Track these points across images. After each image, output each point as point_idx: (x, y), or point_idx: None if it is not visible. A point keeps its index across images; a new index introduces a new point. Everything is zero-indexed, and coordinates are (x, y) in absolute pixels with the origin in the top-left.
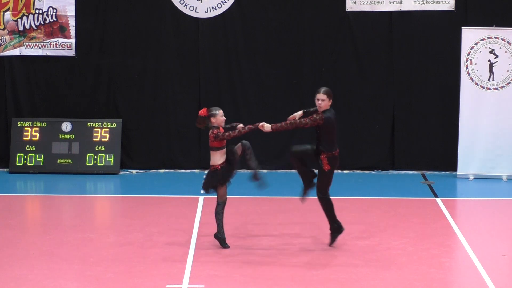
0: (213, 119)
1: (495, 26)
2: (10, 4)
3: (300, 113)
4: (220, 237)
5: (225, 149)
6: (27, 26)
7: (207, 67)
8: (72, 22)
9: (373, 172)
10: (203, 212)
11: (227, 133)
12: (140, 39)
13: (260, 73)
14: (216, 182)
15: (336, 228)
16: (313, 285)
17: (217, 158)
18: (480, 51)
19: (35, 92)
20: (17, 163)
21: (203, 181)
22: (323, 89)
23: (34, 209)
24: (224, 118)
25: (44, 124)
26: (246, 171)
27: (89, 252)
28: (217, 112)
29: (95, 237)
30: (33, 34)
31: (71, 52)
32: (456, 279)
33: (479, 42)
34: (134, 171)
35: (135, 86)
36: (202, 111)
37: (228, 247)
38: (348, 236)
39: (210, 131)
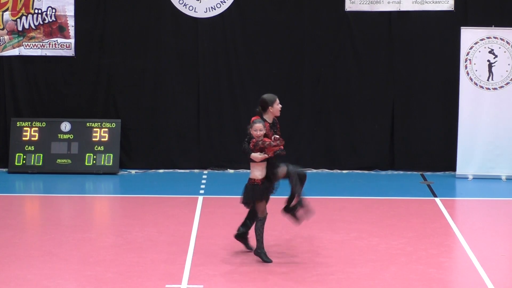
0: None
1: (494, 26)
2: (9, 4)
3: None
4: (260, 252)
5: (266, 163)
6: (26, 26)
7: (207, 67)
8: (71, 22)
9: (372, 172)
10: (202, 212)
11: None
12: (140, 39)
13: (260, 73)
14: (258, 197)
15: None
16: (313, 285)
17: (258, 172)
18: (479, 51)
19: (34, 92)
20: (16, 163)
21: (243, 194)
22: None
23: (34, 209)
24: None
25: (43, 124)
26: (245, 171)
27: (89, 252)
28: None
29: (95, 237)
30: (32, 34)
31: (70, 52)
32: (455, 279)
33: (478, 42)
34: (133, 171)
35: (135, 86)
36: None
37: (270, 261)
38: (348, 236)
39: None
